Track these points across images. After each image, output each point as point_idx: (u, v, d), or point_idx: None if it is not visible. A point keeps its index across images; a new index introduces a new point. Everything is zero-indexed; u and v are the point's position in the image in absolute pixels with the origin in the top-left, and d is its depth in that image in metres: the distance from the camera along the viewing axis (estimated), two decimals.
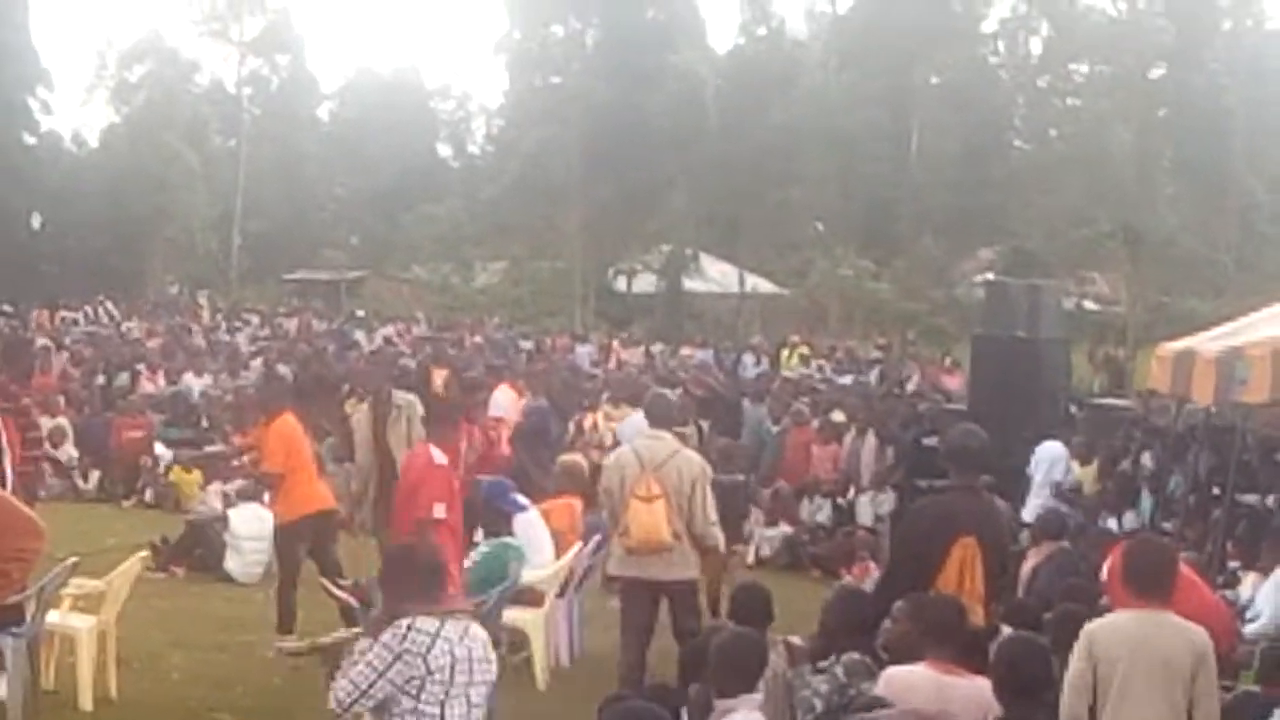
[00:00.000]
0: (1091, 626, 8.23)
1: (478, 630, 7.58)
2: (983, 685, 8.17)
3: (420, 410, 19.15)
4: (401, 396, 16.60)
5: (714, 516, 11.97)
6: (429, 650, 7.20)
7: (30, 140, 69.94)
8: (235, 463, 20.22)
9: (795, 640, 9.62)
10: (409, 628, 7.23)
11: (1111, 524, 18.43)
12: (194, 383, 28.41)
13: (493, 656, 7.61)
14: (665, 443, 11.98)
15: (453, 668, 7.26)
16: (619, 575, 12.20)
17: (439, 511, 11.56)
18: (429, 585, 7.54)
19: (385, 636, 7.28)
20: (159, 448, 24.81)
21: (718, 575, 15.10)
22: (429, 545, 8.80)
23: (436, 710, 7.23)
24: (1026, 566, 13.23)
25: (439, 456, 11.93)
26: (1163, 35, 61.69)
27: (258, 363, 31.13)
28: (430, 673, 7.19)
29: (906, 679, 8.31)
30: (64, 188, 66.84)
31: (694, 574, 12.15)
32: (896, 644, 8.95)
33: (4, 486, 10.22)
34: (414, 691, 7.21)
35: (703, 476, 11.97)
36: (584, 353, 41.90)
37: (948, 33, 66.43)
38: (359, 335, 41.77)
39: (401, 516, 11.91)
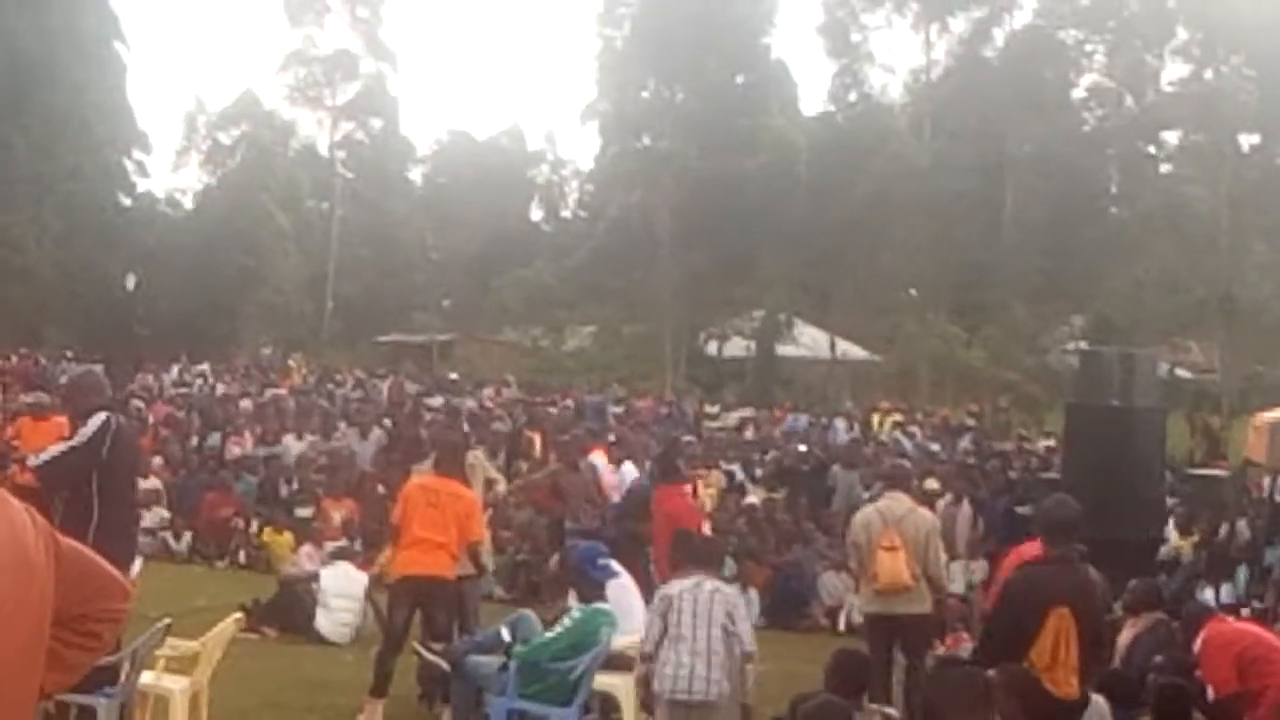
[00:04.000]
0: None
1: None
2: None
3: (490, 468, 19.25)
4: (472, 455, 16.67)
5: (944, 560, 14.56)
6: None
7: (126, 201, 70.89)
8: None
9: (892, 712, 9.60)
10: None
11: (1208, 594, 18.27)
12: (292, 445, 28.53)
13: None
14: (901, 502, 14.29)
15: None
16: (868, 612, 14.45)
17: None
18: None
19: None
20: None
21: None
22: None
23: None
24: (1124, 636, 13.13)
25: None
26: (1250, 101, 61.42)
27: (345, 426, 31.24)
28: None
29: None
30: (158, 249, 67.57)
31: (929, 609, 14.07)
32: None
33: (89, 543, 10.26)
34: None
35: (934, 530, 14.27)
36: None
37: (1039, 99, 66.37)
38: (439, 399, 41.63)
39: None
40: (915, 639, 13.92)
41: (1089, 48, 71.42)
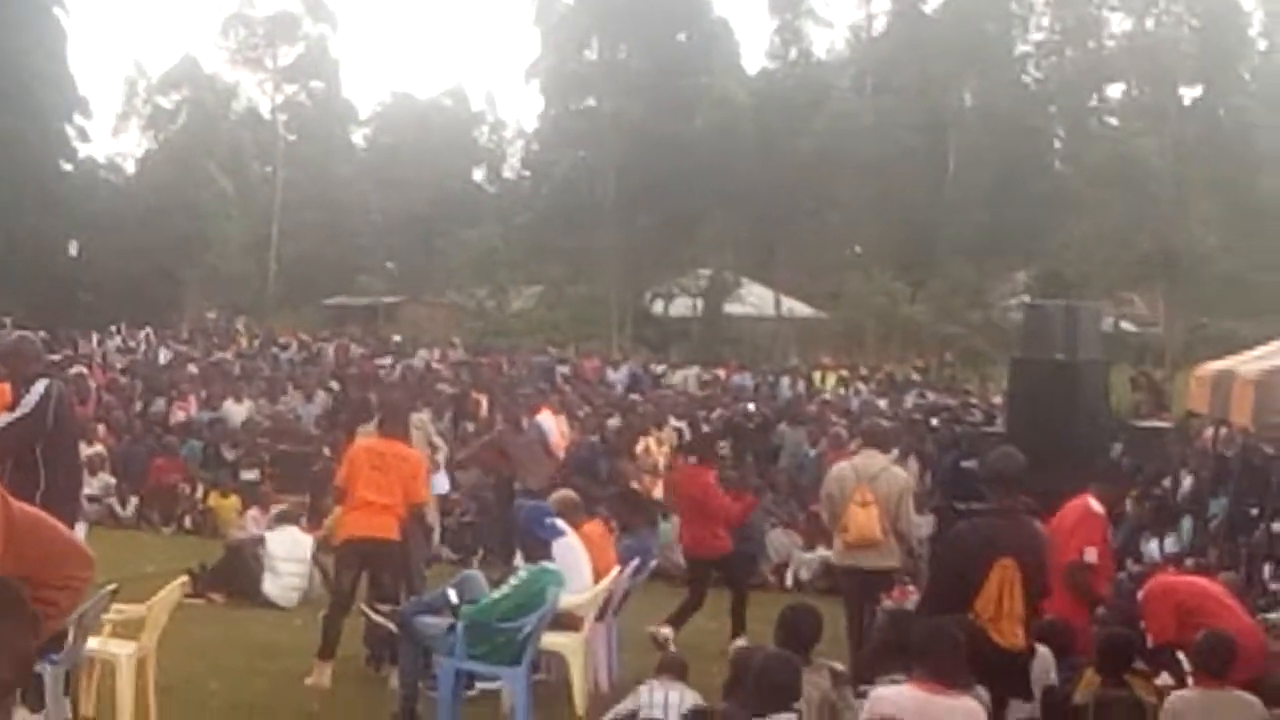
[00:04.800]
0: (1172, 701, 9.60)
1: None
2: (970, 705, 8.27)
3: (433, 430, 19.20)
4: (417, 418, 16.66)
5: (916, 519, 15.05)
6: None
7: (67, 167, 70.29)
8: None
9: (838, 666, 9.65)
10: None
11: (1152, 546, 18.36)
12: (234, 409, 28.41)
13: None
14: (876, 460, 14.61)
15: None
16: (839, 565, 15.07)
17: (1090, 556, 12.05)
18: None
19: None
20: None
21: None
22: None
23: None
24: None
25: (1097, 506, 12.35)
26: (1191, 51, 61.72)
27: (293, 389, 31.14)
28: None
29: (893, 699, 8.38)
30: (101, 215, 67.04)
31: (897, 564, 14.60)
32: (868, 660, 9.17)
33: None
34: None
35: (907, 488, 14.63)
36: (616, 378, 41.81)
37: (982, 55, 66.54)
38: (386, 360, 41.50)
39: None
40: (878, 592, 14.17)
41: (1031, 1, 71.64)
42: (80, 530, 16.30)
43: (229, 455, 25.84)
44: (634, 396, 32.61)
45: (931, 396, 37.71)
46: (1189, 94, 66.66)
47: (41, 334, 38.33)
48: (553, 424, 23.27)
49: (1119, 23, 70.21)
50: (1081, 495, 12.45)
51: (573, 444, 22.90)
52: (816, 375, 43.66)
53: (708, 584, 16.60)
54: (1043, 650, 10.41)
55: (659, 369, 45.80)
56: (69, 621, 10.07)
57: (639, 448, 23.94)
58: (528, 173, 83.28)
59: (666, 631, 15.64)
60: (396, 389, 27.96)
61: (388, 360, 40.32)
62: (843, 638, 13.61)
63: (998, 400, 33.07)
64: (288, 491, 23.10)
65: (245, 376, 32.90)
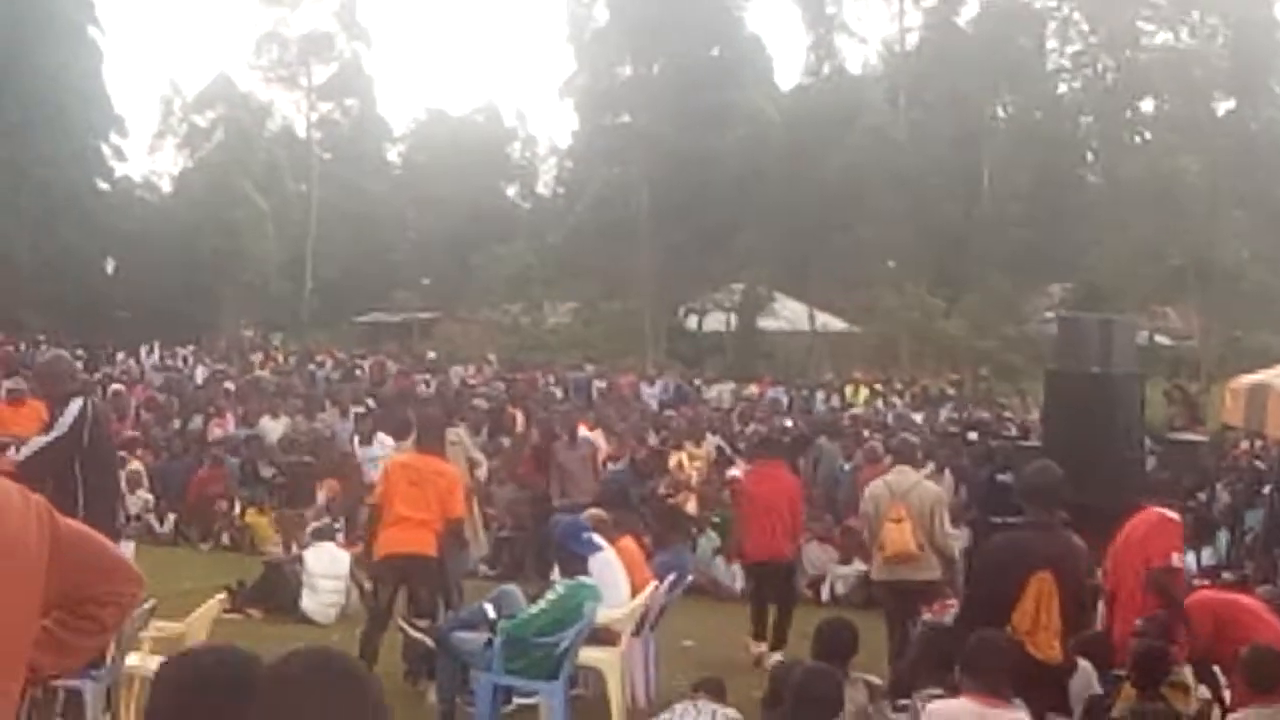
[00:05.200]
0: None
1: None
2: (1022, 717, 8.26)
3: (472, 446, 19.24)
4: (454, 433, 16.70)
5: (952, 531, 15.15)
6: None
7: (104, 186, 70.60)
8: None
9: (874, 679, 9.66)
10: None
11: (1189, 559, 18.33)
12: (271, 426, 28.50)
13: None
14: (908, 475, 15.06)
15: None
16: (878, 580, 15.50)
17: (1176, 560, 12.06)
18: None
19: None
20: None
21: None
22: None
23: None
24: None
25: (1173, 514, 12.47)
26: (1224, 65, 61.56)
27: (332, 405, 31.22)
28: None
29: (952, 713, 8.36)
30: (137, 233, 67.29)
31: (936, 575, 14.79)
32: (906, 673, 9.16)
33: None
34: None
35: (939, 501, 15.01)
36: (651, 393, 41.88)
37: (1015, 69, 66.45)
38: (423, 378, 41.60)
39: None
40: (919, 605, 14.29)
41: (1064, 12, 71.46)
42: (128, 549, 16.46)
43: (266, 473, 25.89)
44: (669, 412, 32.71)
45: (969, 412, 37.67)
46: (1222, 106, 66.50)
47: (80, 351, 38.71)
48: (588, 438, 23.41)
49: (1153, 35, 70.06)
50: (1144, 510, 12.44)
51: (605, 473, 22.93)
52: (849, 389, 43.65)
53: (771, 590, 16.74)
54: (1084, 665, 10.41)
55: (695, 384, 45.90)
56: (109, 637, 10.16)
57: (671, 463, 24.00)
58: (561, 189, 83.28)
59: (762, 649, 16.04)
60: (432, 405, 27.99)
61: (427, 376, 40.47)
62: (880, 651, 13.63)
63: (1034, 417, 33.05)
64: (295, 504, 23.26)
65: (280, 393, 33.00)
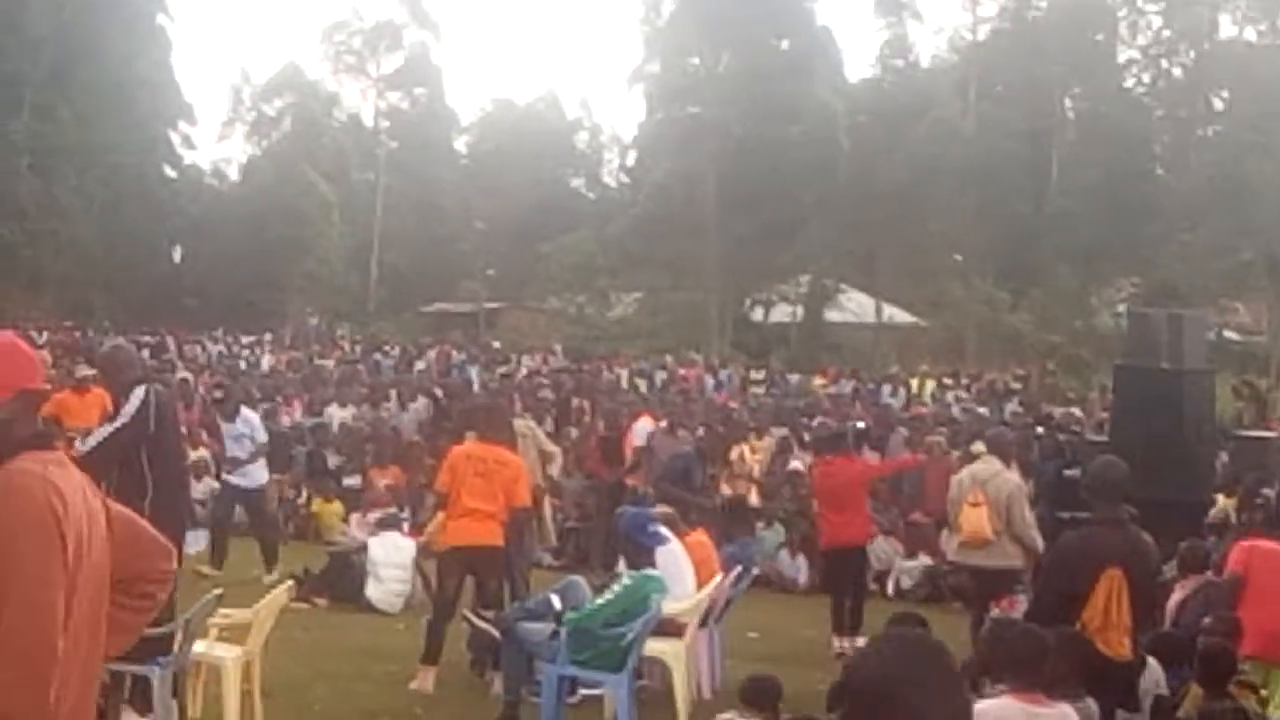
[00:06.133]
0: None
1: None
2: (1067, 711, 8.17)
3: (543, 436, 19.23)
4: (523, 425, 16.68)
5: (1031, 521, 15.14)
6: None
7: (172, 174, 71.06)
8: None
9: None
10: None
11: None
12: (336, 414, 28.57)
13: None
14: (992, 465, 15.41)
15: None
16: (954, 561, 16.62)
17: None
18: None
19: None
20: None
21: None
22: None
23: None
24: (1174, 599, 13.09)
25: None
26: None
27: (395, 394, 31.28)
28: None
29: (996, 712, 8.28)
30: (204, 220, 67.76)
31: (1014, 564, 15.02)
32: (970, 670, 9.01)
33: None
34: None
35: (1015, 491, 15.23)
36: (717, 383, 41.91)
37: (1086, 61, 66.10)
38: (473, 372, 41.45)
39: None
40: (996, 592, 15.00)
41: (1136, 4, 71.08)
42: (201, 538, 16.58)
43: (332, 462, 25.93)
44: (731, 405, 32.64)
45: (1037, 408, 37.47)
46: None
47: (148, 339, 38.91)
48: (651, 429, 23.40)
49: (1225, 28, 69.76)
50: None
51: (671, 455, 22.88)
52: (914, 382, 43.48)
53: (849, 577, 16.77)
54: (1153, 662, 10.33)
55: (757, 374, 45.84)
56: (176, 625, 10.21)
57: (733, 454, 23.95)
58: (626, 179, 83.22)
59: (844, 644, 16.01)
60: (498, 395, 28.02)
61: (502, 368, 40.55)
62: (953, 642, 13.53)
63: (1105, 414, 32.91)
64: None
65: (344, 382, 33.09)
